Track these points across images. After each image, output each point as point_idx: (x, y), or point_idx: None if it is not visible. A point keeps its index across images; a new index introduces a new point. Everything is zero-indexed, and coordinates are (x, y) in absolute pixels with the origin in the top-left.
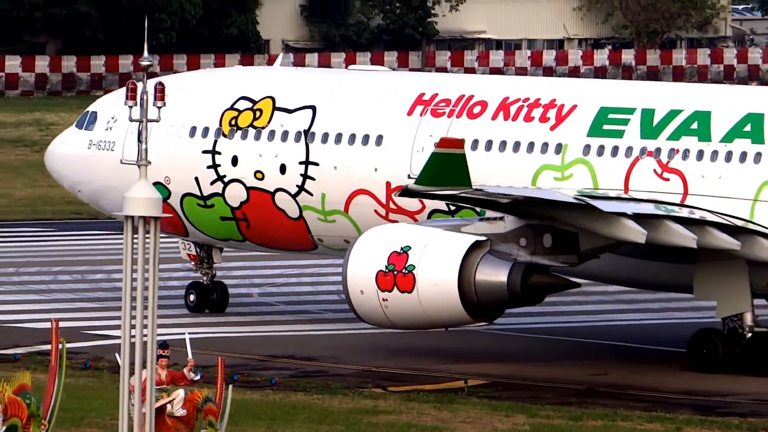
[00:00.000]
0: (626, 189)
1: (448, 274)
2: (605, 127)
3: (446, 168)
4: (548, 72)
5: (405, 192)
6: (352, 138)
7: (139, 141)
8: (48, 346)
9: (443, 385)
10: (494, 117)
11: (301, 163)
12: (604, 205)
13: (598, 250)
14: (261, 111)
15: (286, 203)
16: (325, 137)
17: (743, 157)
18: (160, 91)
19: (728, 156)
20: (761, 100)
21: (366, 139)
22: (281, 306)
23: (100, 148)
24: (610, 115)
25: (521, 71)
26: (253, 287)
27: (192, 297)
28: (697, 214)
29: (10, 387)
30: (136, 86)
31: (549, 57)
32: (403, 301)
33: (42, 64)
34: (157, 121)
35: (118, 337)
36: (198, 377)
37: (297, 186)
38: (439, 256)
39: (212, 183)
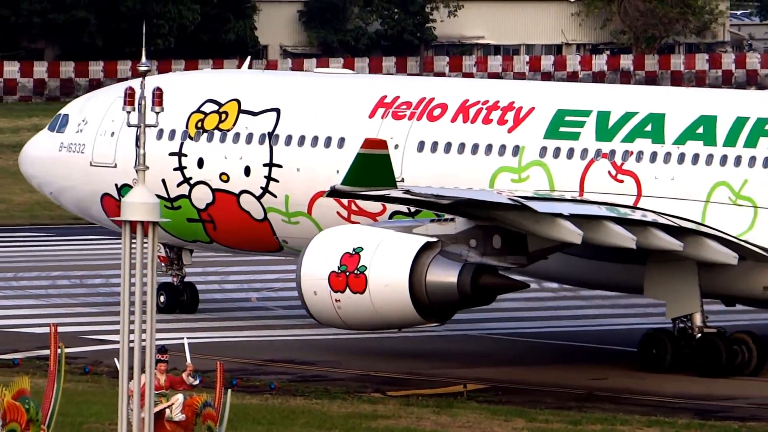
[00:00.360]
0: (581, 191)
1: (398, 274)
2: (561, 129)
3: (371, 168)
4: (546, 77)
5: (332, 192)
6: (315, 140)
7: (137, 146)
8: (47, 351)
9: (442, 390)
10: (453, 119)
11: (265, 165)
12: (539, 205)
13: (546, 251)
14: (227, 113)
15: (251, 205)
16: (288, 139)
17: (695, 158)
18: (158, 96)
19: (681, 158)
20: (715, 103)
21: (328, 142)
22: (279, 310)
23: (71, 150)
24: (567, 118)
25: (519, 77)
26: (251, 291)
27: (162, 298)
28: (650, 217)
29: (9, 392)
30: (134, 91)
31: (547, 62)
32: (355, 301)
33: (40, 69)
34: (155, 126)
35: (117, 342)
36: (197, 382)
37: (261, 188)
38: (390, 256)
39: (179, 185)
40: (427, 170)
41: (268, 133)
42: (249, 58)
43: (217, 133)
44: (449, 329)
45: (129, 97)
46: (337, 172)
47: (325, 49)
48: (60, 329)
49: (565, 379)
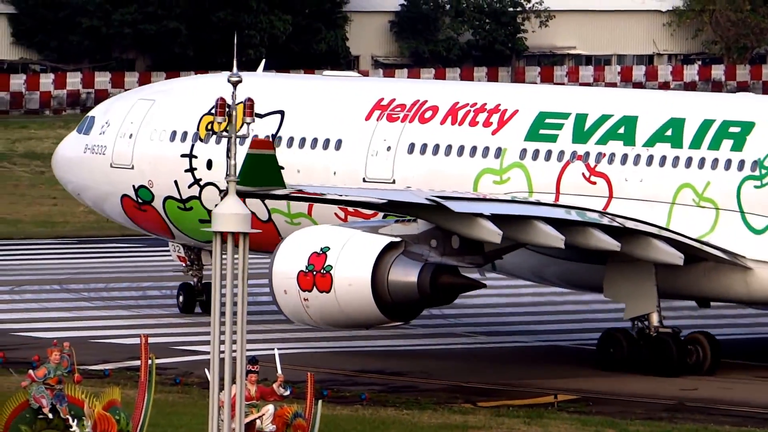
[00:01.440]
0: (557, 192)
1: (361, 274)
2: (541, 131)
3: (260, 169)
4: (638, 87)
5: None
6: (315, 142)
7: (228, 157)
8: (138, 362)
9: (533, 400)
10: (443, 122)
11: None
12: (457, 205)
13: (502, 251)
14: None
15: (256, 206)
16: (290, 141)
17: (663, 161)
18: (249, 107)
19: (649, 160)
20: (687, 105)
21: (327, 143)
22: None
23: (94, 152)
24: (547, 120)
25: (611, 86)
26: None
27: (181, 298)
28: (597, 218)
29: (99, 403)
30: (225, 102)
31: (639, 72)
32: (322, 300)
33: (131, 80)
34: (246, 137)
35: (208, 353)
36: (287, 392)
37: None
38: (354, 256)
39: (190, 186)
40: (416, 171)
41: (272, 134)
42: (263, 60)
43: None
44: (539, 340)
45: (220, 107)
46: (334, 173)
47: (416, 60)
48: (151, 340)
49: (656, 390)
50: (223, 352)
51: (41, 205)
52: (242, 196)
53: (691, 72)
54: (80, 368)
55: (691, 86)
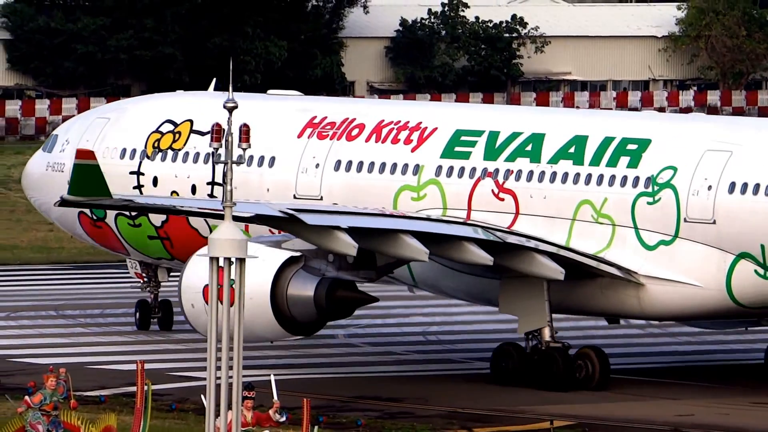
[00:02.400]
0: (469, 209)
1: (261, 288)
2: (456, 149)
3: (87, 179)
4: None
5: (63, 203)
6: (251, 159)
7: (224, 182)
8: (134, 388)
9: (529, 426)
10: (368, 139)
11: (208, 183)
12: (311, 218)
13: (392, 266)
14: (180, 133)
15: (199, 222)
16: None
17: (565, 177)
18: (245, 133)
19: (553, 177)
20: (592, 123)
21: (261, 161)
22: (366, 347)
23: (55, 169)
24: (462, 138)
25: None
26: (338, 328)
27: (138, 315)
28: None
29: (95, 429)
30: (221, 128)
31: (634, 98)
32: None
33: None
34: (242, 162)
35: (204, 379)
36: (283, 419)
37: None
38: (255, 270)
39: None
40: (341, 188)
41: (213, 152)
42: (214, 80)
43: (170, 153)
44: None
45: (216, 133)
46: (267, 190)
47: (411, 85)
48: (147, 366)
49: (651, 415)
50: (219, 378)
51: (38, 231)
52: (66, 205)
53: (686, 98)
54: (76, 394)
55: (686, 112)
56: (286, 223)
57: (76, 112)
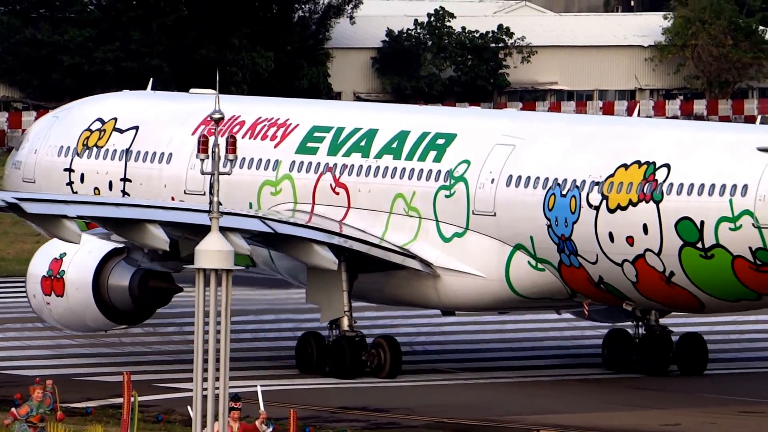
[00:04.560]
0: (313, 203)
1: (85, 278)
2: (308, 144)
3: None
4: None
5: None
6: (154, 156)
7: (211, 194)
8: (120, 399)
9: None
10: (244, 136)
11: (121, 180)
12: (32, 206)
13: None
14: (105, 131)
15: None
16: (137, 155)
17: (385, 172)
18: (231, 144)
19: (376, 171)
20: (419, 118)
21: (161, 157)
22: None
23: (15, 166)
24: (315, 134)
25: None
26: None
27: None
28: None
29: None
30: (207, 139)
31: (621, 107)
32: (59, 304)
33: None
34: (229, 174)
35: (190, 390)
36: (270, 429)
37: None
38: (81, 261)
39: None
40: (222, 184)
41: (126, 149)
42: (152, 80)
43: (95, 150)
44: (521, 376)
45: (202, 144)
46: (164, 186)
47: (398, 96)
48: (133, 377)
49: (637, 425)
50: (206, 388)
51: (24, 243)
52: None
53: (673, 107)
54: (63, 406)
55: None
56: (13, 212)
57: None
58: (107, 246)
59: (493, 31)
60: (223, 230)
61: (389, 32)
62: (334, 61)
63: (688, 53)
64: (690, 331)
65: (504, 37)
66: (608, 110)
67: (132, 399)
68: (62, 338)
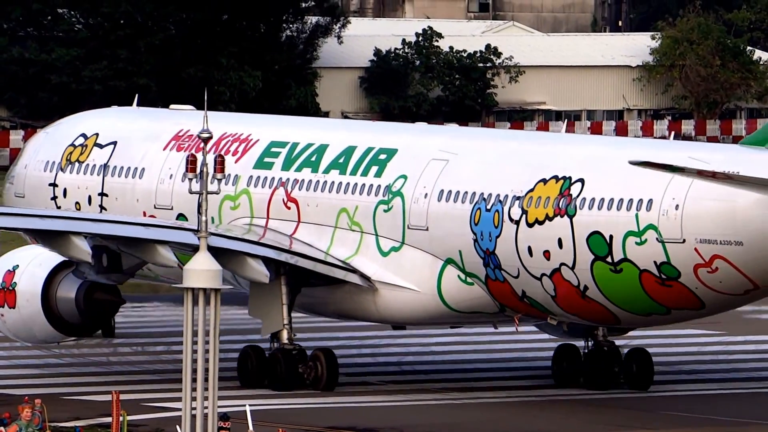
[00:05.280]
0: (267, 217)
1: (34, 290)
2: (265, 159)
3: None
4: None
5: None
6: (128, 171)
7: (199, 213)
8: (109, 419)
9: None
10: (209, 151)
11: (99, 194)
12: None
13: (135, 268)
14: (86, 146)
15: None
16: (114, 170)
17: (331, 187)
18: (219, 164)
19: (324, 186)
20: (366, 134)
21: (134, 172)
22: (341, 377)
23: (10, 182)
24: (273, 149)
25: None
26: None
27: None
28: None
29: None
30: (196, 158)
31: (609, 128)
32: (11, 316)
33: None
34: (217, 193)
35: (179, 409)
36: None
37: None
38: (31, 273)
39: None
40: (184, 199)
41: (103, 164)
42: (137, 96)
43: (77, 165)
44: (509, 396)
45: (191, 164)
46: (137, 201)
47: (386, 115)
48: (122, 397)
49: None
50: (194, 408)
51: None
52: None
53: (661, 127)
54: (51, 425)
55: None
56: None
57: None
58: (57, 259)
59: (481, 51)
60: (153, 243)
61: (377, 52)
62: (322, 81)
63: (676, 73)
64: (637, 346)
65: (492, 56)
66: (596, 130)
67: (121, 418)
68: (50, 357)
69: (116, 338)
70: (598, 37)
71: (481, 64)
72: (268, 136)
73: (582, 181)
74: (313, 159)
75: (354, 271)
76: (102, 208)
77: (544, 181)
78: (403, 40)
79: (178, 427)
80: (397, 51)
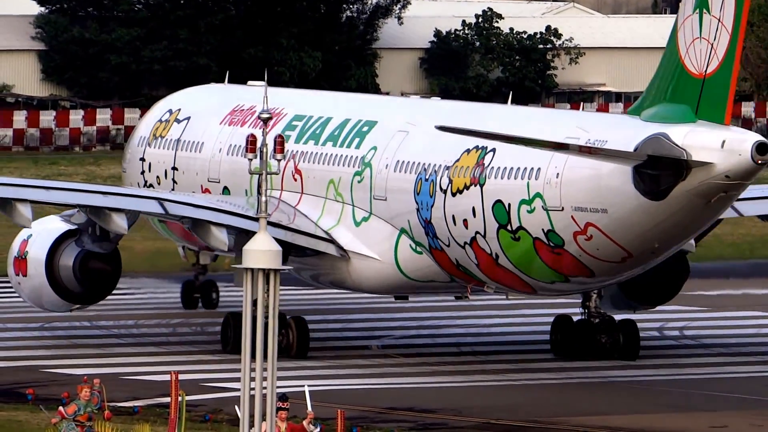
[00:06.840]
0: (281, 189)
1: (40, 258)
2: (286, 132)
3: None
4: None
5: None
6: (192, 146)
7: (259, 193)
8: (167, 399)
9: None
10: (249, 125)
11: (172, 168)
12: None
13: (117, 237)
14: (169, 122)
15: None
16: (184, 145)
17: (324, 158)
18: (279, 144)
19: (320, 158)
20: (361, 106)
21: (197, 147)
22: (401, 358)
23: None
24: (293, 122)
25: None
26: (373, 339)
27: (181, 295)
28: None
29: None
30: (256, 138)
31: None
32: (25, 283)
33: None
34: (277, 174)
35: (238, 390)
36: (317, 429)
37: (171, 190)
38: (39, 242)
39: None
40: (228, 171)
41: (177, 139)
42: (228, 72)
43: (159, 140)
44: (568, 377)
45: (251, 144)
46: (196, 174)
47: (446, 96)
48: (180, 377)
49: (687, 427)
50: (253, 388)
51: None
52: None
53: None
54: (110, 405)
55: None
56: None
57: (110, 123)
58: (62, 227)
59: (541, 32)
60: (111, 210)
61: (437, 33)
62: (382, 62)
63: None
64: (624, 318)
65: (552, 38)
66: None
67: (180, 398)
68: (110, 337)
69: (216, 309)
70: (658, 19)
71: (541, 46)
72: (292, 109)
73: (494, 151)
74: (318, 132)
75: (332, 241)
76: (174, 182)
77: (468, 151)
78: (463, 21)
79: (236, 407)
80: (457, 32)
